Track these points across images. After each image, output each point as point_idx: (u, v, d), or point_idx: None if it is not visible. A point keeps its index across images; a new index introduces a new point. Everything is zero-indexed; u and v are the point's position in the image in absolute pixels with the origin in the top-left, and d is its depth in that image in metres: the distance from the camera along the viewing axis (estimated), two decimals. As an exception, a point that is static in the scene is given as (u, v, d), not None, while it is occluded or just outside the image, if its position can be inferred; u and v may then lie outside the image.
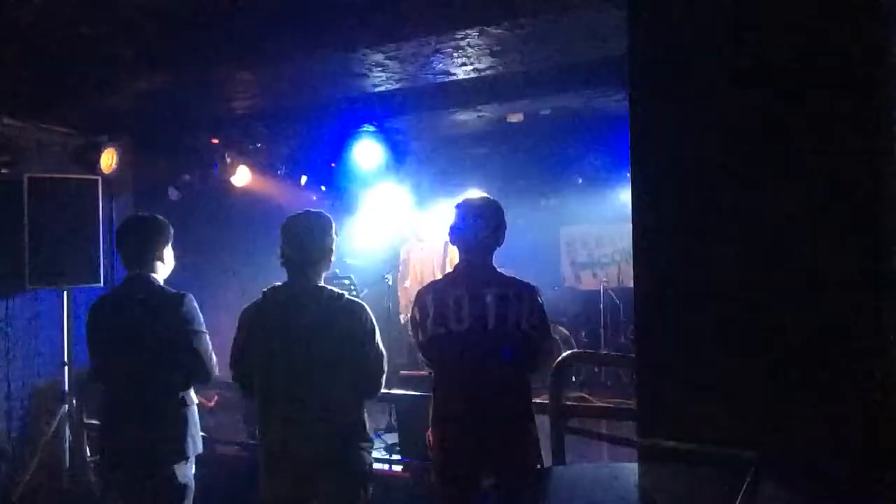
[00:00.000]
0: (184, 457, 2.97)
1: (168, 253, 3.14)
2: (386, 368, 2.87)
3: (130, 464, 2.98)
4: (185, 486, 2.99)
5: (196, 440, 3.04)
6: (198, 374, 3.04)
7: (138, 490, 2.97)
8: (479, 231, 2.92)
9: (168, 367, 2.96)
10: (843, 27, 1.49)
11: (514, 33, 3.92)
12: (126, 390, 3.01)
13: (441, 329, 2.85)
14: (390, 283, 7.05)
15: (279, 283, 2.80)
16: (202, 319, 3.05)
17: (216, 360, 3.07)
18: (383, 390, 2.93)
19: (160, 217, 3.19)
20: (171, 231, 3.17)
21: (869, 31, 1.47)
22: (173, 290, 3.05)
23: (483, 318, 2.80)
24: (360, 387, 2.79)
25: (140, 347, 2.95)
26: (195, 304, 3.04)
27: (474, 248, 2.93)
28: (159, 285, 3.06)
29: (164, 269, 3.13)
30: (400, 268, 7.14)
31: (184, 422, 2.98)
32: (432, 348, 2.90)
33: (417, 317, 2.94)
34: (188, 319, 2.98)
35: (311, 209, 2.93)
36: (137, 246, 3.07)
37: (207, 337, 3.05)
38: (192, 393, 3.07)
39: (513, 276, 2.95)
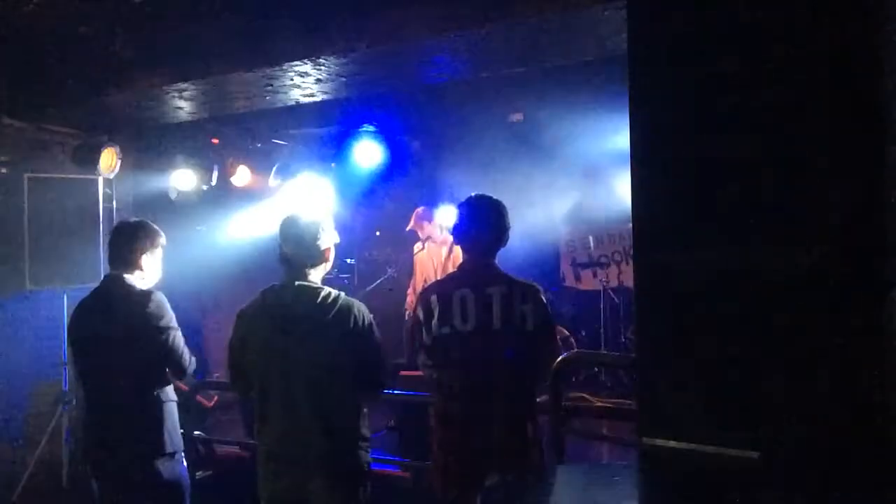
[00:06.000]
0: (162, 452, 2.98)
1: (148, 260, 3.11)
2: (386, 366, 2.86)
3: (110, 461, 3.01)
4: (176, 484, 3.00)
5: (174, 436, 3.06)
6: (171, 371, 3.07)
7: (125, 488, 3.00)
8: (483, 230, 2.91)
9: (140, 365, 2.99)
10: (845, 26, 1.49)
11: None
12: (101, 389, 3.05)
13: (446, 329, 2.82)
14: (395, 275, 7.05)
15: (277, 283, 2.79)
16: (172, 316, 3.05)
17: (188, 355, 3.08)
18: (385, 390, 2.91)
19: (148, 224, 3.17)
20: (159, 239, 3.15)
21: (870, 29, 1.47)
22: (142, 289, 3.06)
23: (489, 318, 2.78)
24: (360, 386, 2.77)
25: (111, 347, 2.98)
26: (164, 302, 3.04)
27: (478, 247, 2.91)
28: (130, 285, 3.06)
29: (141, 276, 3.11)
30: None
31: (160, 418, 3.00)
32: (437, 349, 2.87)
33: (421, 317, 2.91)
34: (156, 316, 2.99)
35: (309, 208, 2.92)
36: (116, 249, 3.10)
37: (179, 333, 3.05)
38: (168, 390, 3.09)
39: (516, 275, 2.93)
